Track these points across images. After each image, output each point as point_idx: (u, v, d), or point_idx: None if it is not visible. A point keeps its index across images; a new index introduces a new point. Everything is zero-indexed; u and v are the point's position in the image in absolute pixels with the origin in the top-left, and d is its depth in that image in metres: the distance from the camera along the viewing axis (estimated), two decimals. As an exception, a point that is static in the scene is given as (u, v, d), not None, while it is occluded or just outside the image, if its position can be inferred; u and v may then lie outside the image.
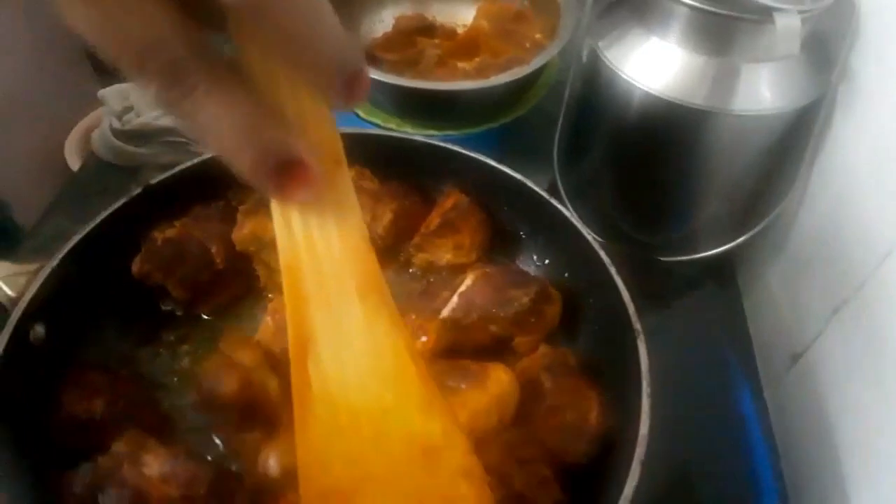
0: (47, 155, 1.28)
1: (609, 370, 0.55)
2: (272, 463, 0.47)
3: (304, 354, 0.37)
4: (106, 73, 1.05)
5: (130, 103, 0.97)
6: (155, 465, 0.45)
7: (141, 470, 0.45)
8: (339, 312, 0.36)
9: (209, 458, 0.51)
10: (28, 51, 1.34)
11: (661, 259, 0.78)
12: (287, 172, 0.30)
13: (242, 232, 0.60)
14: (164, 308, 0.61)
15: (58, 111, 1.33)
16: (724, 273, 0.82)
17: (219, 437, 0.53)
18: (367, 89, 0.30)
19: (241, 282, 0.61)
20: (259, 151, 0.29)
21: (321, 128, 0.33)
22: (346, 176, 0.35)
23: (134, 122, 0.95)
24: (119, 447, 0.46)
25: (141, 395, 0.54)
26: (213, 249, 0.59)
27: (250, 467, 0.50)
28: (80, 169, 1.00)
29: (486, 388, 0.50)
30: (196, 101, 0.27)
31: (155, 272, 0.58)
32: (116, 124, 0.96)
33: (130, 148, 0.94)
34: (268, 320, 0.56)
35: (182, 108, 0.27)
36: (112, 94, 0.99)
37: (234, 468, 0.52)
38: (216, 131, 0.28)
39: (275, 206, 0.34)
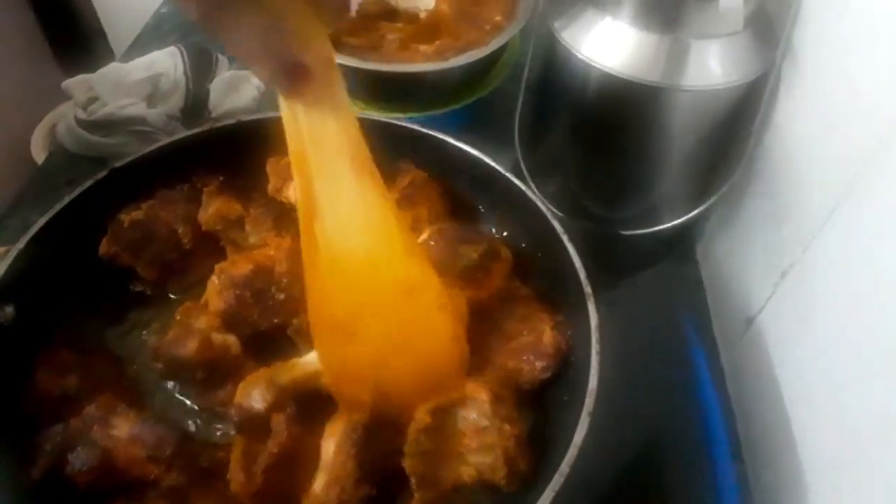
0: (13, 149, 1.27)
1: (560, 302, 0.59)
2: (256, 396, 0.50)
3: (310, 220, 0.47)
4: (69, 64, 1.06)
5: (95, 93, 0.97)
6: (125, 427, 0.48)
7: (110, 432, 0.47)
8: (338, 184, 0.46)
9: (180, 420, 0.54)
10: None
11: (622, 233, 0.81)
12: (295, 75, 0.41)
13: (208, 212, 0.61)
14: (133, 289, 0.62)
15: (22, 105, 1.32)
16: (682, 244, 0.85)
17: (190, 399, 0.56)
18: (351, 4, 0.43)
19: (208, 261, 0.62)
20: (274, 60, 0.40)
21: (318, 39, 0.43)
22: (338, 77, 0.45)
23: (99, 112, 0.95)
24: (91, 411, 0.49)
25: (112, 372, 0.55)
26: (180, 230, 0.61)
27: (228, 418, 0.53)
28: (46, 160, 0.99)
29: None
30: (230, 19, 0.37)
31: (122, 253, 0.59)
32: (82, 115, 0.95)
33: (96, 138, 0.94)
34: (213, 279, 0.57)
35: (220, 24, 0.37)
36: (76, 84, 0.98)
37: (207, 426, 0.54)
38: (244, 45, 0.39)
39: (284, 104, 0.44)
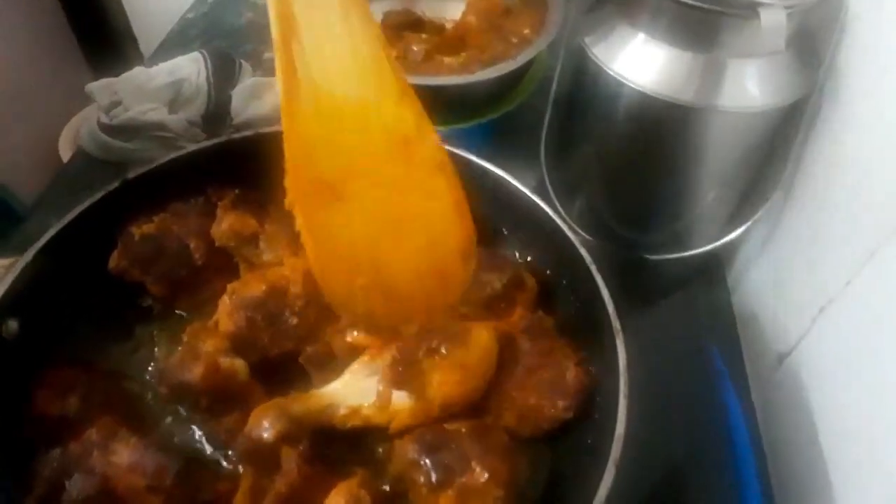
0: (43, 147, 1.28)
1: (586, 335, 0.56)
2: (266, 426, 0.48)
3: (288, 38, 0.40)
4: (99, 64, 1.06)
5: (118, 97, 0.96)
6: (124, 453, 0.46)
7: (110, 458, 0.45)
8: (319, 3, 0.40)
9: (185, 447, 0.52)
10: (23, 45, 1.34)
11: (649, 257, 0.78)
12: None
13: (221, 227, 0.59)
14: (141, 304, 0.61)
15: (53, 105, 1.33)
16: (712, 271, 0.81)
17: (196, 426, 0.53)
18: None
19: (220, 278, 0.60)
20: None
21: None
22: None
23: (122, 116, 0.94)
24: (91, 435, 0.47)
25: (116, 390, 0.54)
26: (192, 245, 0.59)
27: (231, 448, 0.51)
28: (68, 164, 0.99)
29: (468, 348, 0.51)
30: None
31: (132, 268, 0.57)
32: (104, 119, 0.95)
33: (118, 143, 0.93)
34: (224, 300, 0.56)
35: None
36: (100, 88, 0.98)
37: (213, 454, 0.52)
38: None
39: None
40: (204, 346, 0.52)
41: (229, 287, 0.56)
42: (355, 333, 0.55)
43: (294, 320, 0.55)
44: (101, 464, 0.46)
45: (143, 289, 0.59)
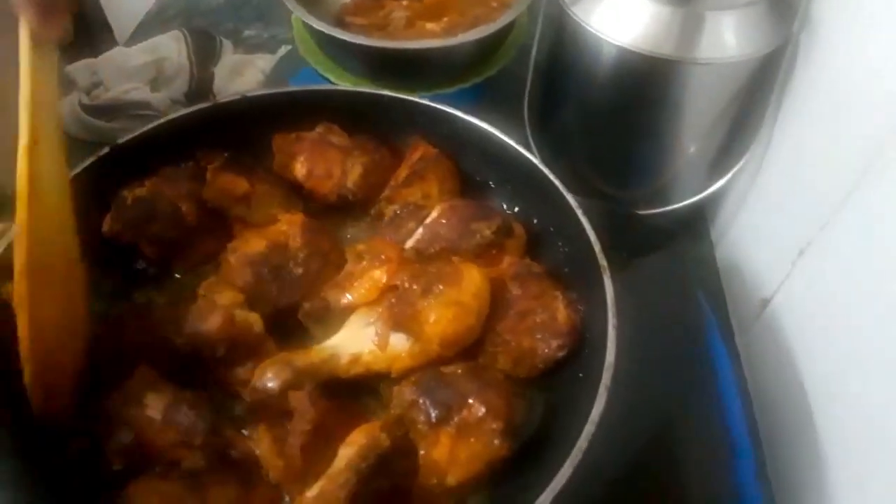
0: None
1: (574, 278, 0.58)
2: (270, 376, 0.49)
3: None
4: (72, 52, 1.05)
5: (99, 78, 0.96)
6: (160, 405, 0.48)
7: (146, 412, 0.48)
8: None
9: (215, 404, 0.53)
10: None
11: (636, 212, 0.79)
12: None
13: (212, 188, 0.60)
14: (137, 267, 0.61)
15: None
16: (696, 223, 0.83)
17: (210, 377, 0.54)
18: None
19: (212, 240, 0.61)
20: None
21: None
22: None
23: (103, 96, 0.94)
24: (130, 386, 0.49)
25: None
26: (184, 207, 0.59)
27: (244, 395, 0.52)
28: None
29: (461, 286, 0.53)
30: None
31: (125, 231, 0.58)
32: (85, 100, 0.94)
33: (100, 123, 0.92)
34: (228, 259, 0.57)
35: None
36: (80, 69, 0.97)
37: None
38: None
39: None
40: (220, 299, 0.53)
41: (230, 246, 0.57)
42: (349, 295, 0.56)
43: (299, 270, 0.56)
44: (137, 416, 0.48)
45: (139, 252, 0.59)
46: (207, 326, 0.51)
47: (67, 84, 0.96)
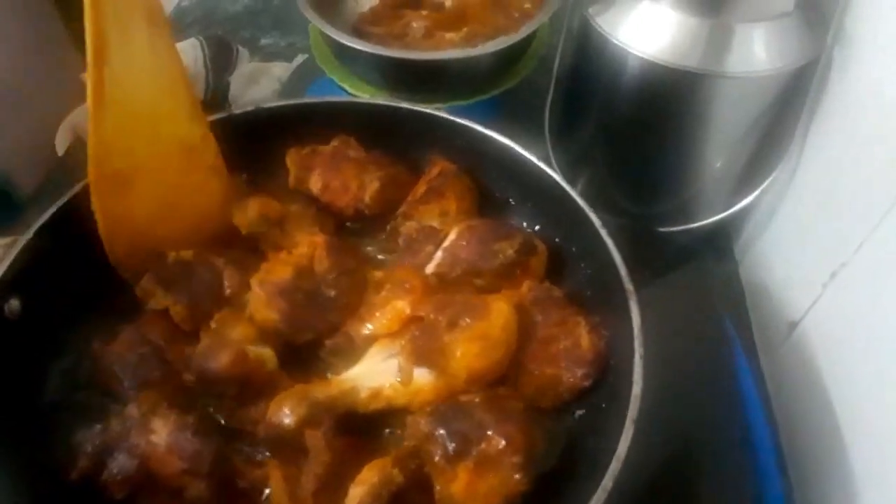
0: (44, 142, 1.27)
1: (598, 301, 0.56)
2: (287, 412, 0.47)
3: (101, 61, 0.48)
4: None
5: (115, 85, 0.96)
6: (164, 432, 0.46)
7: (149, 438, 0.46)
8: (130, 30, 0.48)
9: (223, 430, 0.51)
10: (16, 41, 1.33)
11: (658, 230, 0.77)
12: None
13: (249, 214, 0.59)
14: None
15: (53, 99, 1.32)
16: (720, 241, 0.81)
17: (221, 415, 0.52)
18: None
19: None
20: None
21: None
22: None
23: (118, 103, 0.93)
24: (132, 411, 0.47)
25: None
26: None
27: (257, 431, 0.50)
28: (66, 154, 0.98)
29: (490, 320, 0.51)
30: None
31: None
32: (101, 107, 0.94)
33: (115, 130, 0.92)
34: (257, 291, 0.54)
35: None
36: (95, 76, 0.97)
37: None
38: None
39: None
40: (232, 334, 0.51)
41: (254, 279, 0.54)
42: (370, 325, 0.54)
43: (332, 292, 0.55)
44: (140, 443, 0.46)
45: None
46: (218, 364, 0.49)
47: (77, 91, 0.96)
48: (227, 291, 0.56)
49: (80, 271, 0.55)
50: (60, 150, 1.21)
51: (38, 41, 1.37)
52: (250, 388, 0.50)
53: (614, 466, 0.40)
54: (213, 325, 0.53)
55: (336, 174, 0.63)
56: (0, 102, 1.20)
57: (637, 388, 0.44)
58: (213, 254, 0.57)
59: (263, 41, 1.08)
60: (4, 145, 1.17)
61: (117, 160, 0.52)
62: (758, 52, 0.62)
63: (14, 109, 1.23)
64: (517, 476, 0.45)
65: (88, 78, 0.49)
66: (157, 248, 0.55)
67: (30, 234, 0.51)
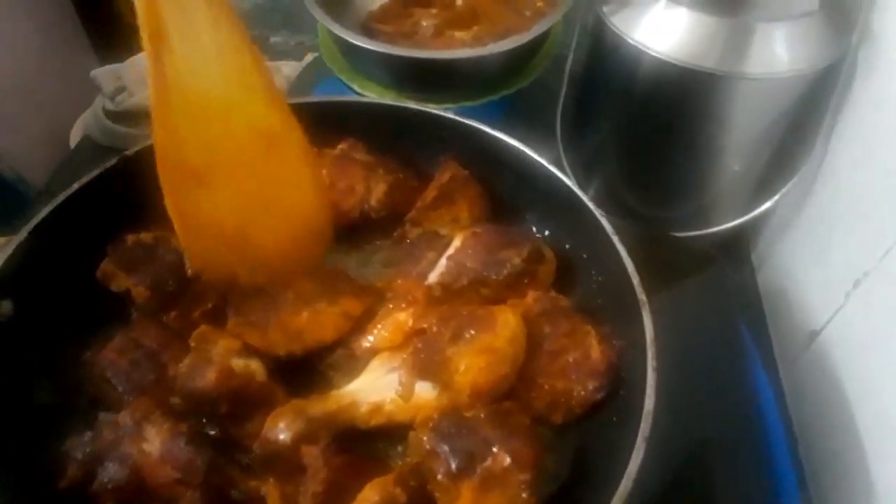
0: (55, 141, 1.27)
1: (608, 311, 0.54)
2: (282, 427, 0.46)
3: (159, 46, 0.43)
4: (108, 57, 1.04)
5: (123, 83, 0.95)
6: (156, 441, 0.44)
7: (141, 446, 0.44)
8: (188, 9, 0.43)
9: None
10: (33, 38, 1.33)
11: (673, 235, 0.75)
12: None
13: None
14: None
15: (67, 96, 1.32)
16: (738, 248, 0.79)
17: (218, 433, 0.50)
18: None
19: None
20: None
21: None
22: None
23: (127, 102, 0.93)
24: (125, 418, 0.45)
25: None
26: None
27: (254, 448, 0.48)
28: (74, 151, 0.98)
29: (496, 332, 0.49)
30: None
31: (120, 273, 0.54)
32: (109, 105, 0.94)
33: (122, 129, 0.92)
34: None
35: None
36: (104, 74, 0.96)
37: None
38: None
39: None
40: (214, 350, 0.49)
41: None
42: (371, 338, 0.53)
43: None
44: (132, 451, 0.44)
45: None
46: (204, 382, 0.47)
47: (93, 89, 0.95)
48: (189, 272, 0.54)
49: (74, 273, 0.54)
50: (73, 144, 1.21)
51: (53, 40, 1.37)
52: (243, 403, 0.48)
53: (625, 485, 0.38)
54: (192, 342, 0.51)
55: (342, 175, 0.61)
56: (12, 101, 1.21)
57: (650, 403, 0.42)
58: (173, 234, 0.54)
59: (273, 39, 1.07)
60: (16, 143, 1.17)
61: (190, 156, 0.46)
62: (779, 52, 0.60)
63: (26, 107, 1.24)
64: (524, 495, 0.43)
65: (149, 67, 0.43)
66: (251, 254, 0.50)
67: (23, 234, 0.50)
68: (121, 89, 0.95)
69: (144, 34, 0.43)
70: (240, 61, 0.46)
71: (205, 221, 0.48)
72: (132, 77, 0.95)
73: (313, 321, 0.51)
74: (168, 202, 0.47)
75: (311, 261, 0.54)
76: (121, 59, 0.97)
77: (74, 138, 1.25)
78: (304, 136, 0.50)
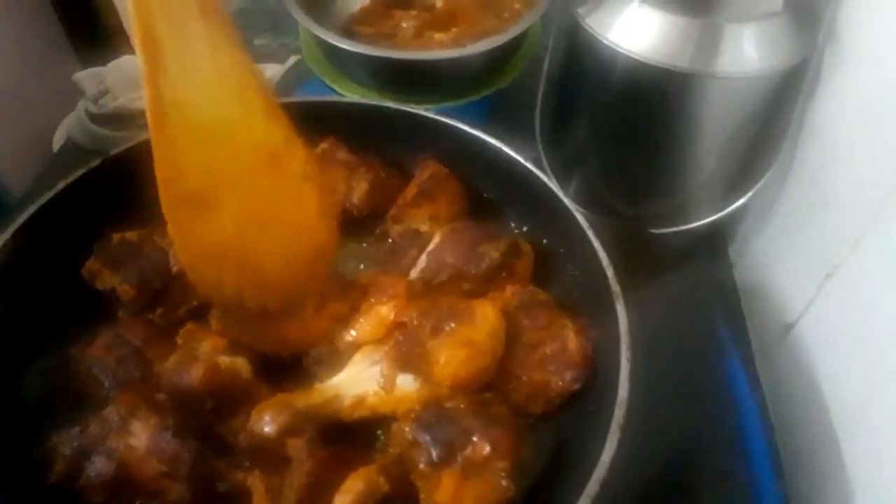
0: (38, 146, 1.26)
1: (585, 304, 0.55)
2: (268, 420, 0.46)
3: (155, 71, 0.41)
4: (89, 61, 1.04)
5: (106, 86, 0.95)
6: (143, 436, 0.44)
7: (128, 440, 0.44)
8: (183, 28, 0.41)
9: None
10: (13, 43, 1.33)
11: (651, 231, 0.76)
12: None
13: None
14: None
15: (49, 101, 1.32)
16: (714, 243, 0.80)
17: (202, 429, 0.50)
18: None
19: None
20: None
21: None
22: None
23: (110, 105, 0.93)
24: (111, 414, 0.46)
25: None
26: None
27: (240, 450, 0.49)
28: (57, 155, 0.98)
29: (475, 325, 0.49)
30: None
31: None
32: (92, 108, 0.94)
33: (105, 132, 0.92)
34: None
35: None
36: (87, 77, 0.96)
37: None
38: None
39: None
40: (201, 347, 0.50)
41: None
42: (354, 332, 0.53)
43: None
44: (119, 446, 0.45)
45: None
46: (191, 379, 0.47)
47: (76, 93, 0.95)
48: (174, 269, 0.55)
49: (59, 273, 0.54)
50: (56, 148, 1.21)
51: (34, 43, 1.36)
52: (228, 400, 0.49)
53: (599, 472, 0.39)
54: (179, 339, 0.52)
55: (324, 174, 0.62)
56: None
57: (623, 392, 0.43)
58: (158, 233, 0.55)
59: (257, 42, 1.08)
60: (1, 148, 1.17)
61: (191, 181, 0.45)
62: (748, 52, 0.61)
63: (7, 112, 1.23)
64: (504, 483, 0.44)
65: (145, 91, 0.42)
66: (257, 276, 0.49)
67: (7, 235, 0.50)
68: (104, 92, 0.95)
69: (140, 56, 0.41)
70: (238, 79, 0.44)
71: (211, 247, 0.47)
72: (115, 80, 0.95)
73: (300, 328, 0.52)
74: (170, 230, 0.46)
75: (316, 280, 0.52)
76: (103, 63, 0.97)
77: (57, 142, 1.25)
78: (307, 153, 0.49)
